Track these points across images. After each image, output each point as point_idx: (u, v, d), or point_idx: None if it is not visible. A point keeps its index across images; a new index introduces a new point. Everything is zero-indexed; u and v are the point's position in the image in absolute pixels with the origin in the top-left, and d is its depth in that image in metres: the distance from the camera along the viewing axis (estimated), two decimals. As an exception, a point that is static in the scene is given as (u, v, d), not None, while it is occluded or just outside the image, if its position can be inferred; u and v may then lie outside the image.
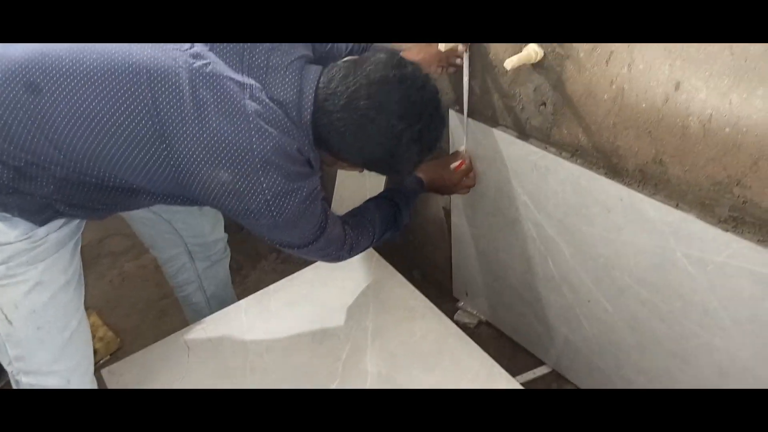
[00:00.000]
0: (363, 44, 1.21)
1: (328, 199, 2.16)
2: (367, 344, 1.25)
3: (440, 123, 1.04)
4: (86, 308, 1.16)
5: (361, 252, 1.24)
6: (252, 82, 0.92)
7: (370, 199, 1.33)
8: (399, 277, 1.43)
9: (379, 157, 0.99)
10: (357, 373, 1.18)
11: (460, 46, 1.25)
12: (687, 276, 1.11)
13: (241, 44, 0.94)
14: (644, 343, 1.29)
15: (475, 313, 1.89)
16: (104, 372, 1.26)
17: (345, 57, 1.04)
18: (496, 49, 1.27)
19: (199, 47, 0.91)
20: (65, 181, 0.93)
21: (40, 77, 0.85)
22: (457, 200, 1.66)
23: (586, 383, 1.57)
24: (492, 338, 1.84)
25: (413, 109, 0.96)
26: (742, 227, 1.00)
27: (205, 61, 0.90)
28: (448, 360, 1.20)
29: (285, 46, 0.97)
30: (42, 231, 0.99)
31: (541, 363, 1.70)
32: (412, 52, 1.26)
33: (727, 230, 1.01)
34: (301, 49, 1.01)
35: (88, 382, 1.13)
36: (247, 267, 2.31)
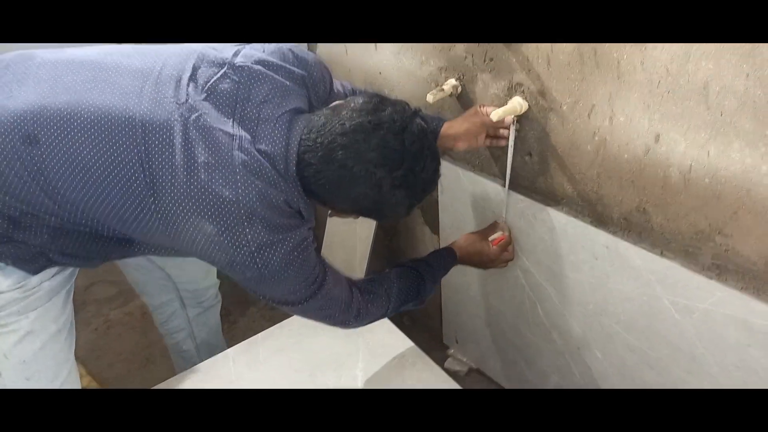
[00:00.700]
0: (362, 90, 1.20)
1: (318, 243, 2.17)
2: (357, 393, 1.24)
3: (430, 163, 0.97)
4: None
5: (372, 321, 1.15)
6: (242, 133, 0.92)
7: (395, 266, 1.22)
8: (389, 324, 1.42)
9: (366, 206, 0.97)
10: (347, 423, 1.17)
11: (508, 118, 1.20)
12: (674, 323, 1.12)
13: (236, 95, 0.94)
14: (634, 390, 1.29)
15: (465, 360, 1.87)
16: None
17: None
18: (482, 100, 1.31)
19: (194, 99, 0.93)
20: (59, 231, 0.93)
21: (39, 129, 0.87)
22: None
23: None
24: (482, 386, 1.82)
25: (392, 155, 0.91)
26: (725, 275, 1.02)
27: (198, 113, 0.91)
28: (439, 409, 1.19)
29: (278, 98, 0.97)
30: (35, 280, 0.98)
31: (532, 411, 1.68)
32: (456, 122, 1.25)
33: (711, 278, 1.03)
34: (295, 101, 0.99)
35: None
36: (236, 313, 2.29)
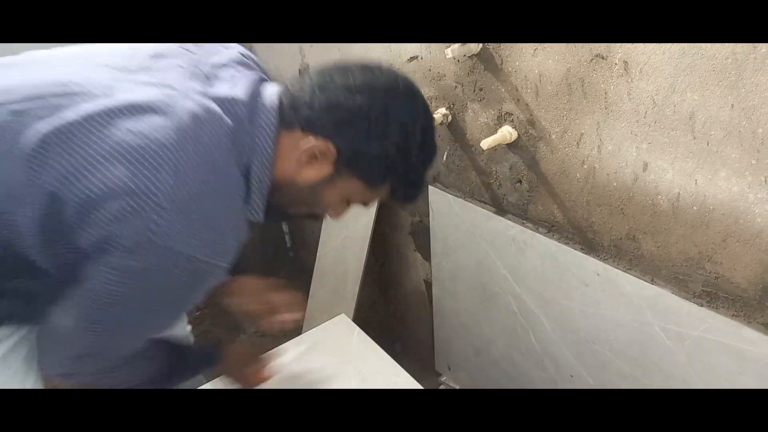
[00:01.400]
0: None
1: (309, 271, 2.16)
2: (348, 423, 1.22)
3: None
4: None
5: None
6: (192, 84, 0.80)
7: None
8: (381, 352, 1.41)
9: (391, 154, 0.81)
10: (337, 454, 1.14)
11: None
12: (666, 350, 1.12)
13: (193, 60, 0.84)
14: (628, 418, 1.28)
15: (457, 387, 1.86)
16: None
17: None
18: (472, 129, 1.33)
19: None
20: None
21: None
22: (438, 273, 1.67)
23: (572, 461, 1.54)
24: (475, 414, 1.80)
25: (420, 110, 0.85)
26: (716, 302, 1.02)
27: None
28: (431, 439, 1.17)
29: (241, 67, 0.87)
30: None
31: (525, 440, 1.67)
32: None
33: (701, 305, 1.03)
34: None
35: None
36: (225, 341, 2.26)
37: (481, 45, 1.18)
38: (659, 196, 1.02)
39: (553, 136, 1.15)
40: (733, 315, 1.00)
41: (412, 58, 1.40)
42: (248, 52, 0.93)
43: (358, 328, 1.47)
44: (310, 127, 0.79)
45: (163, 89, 0.74)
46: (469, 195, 1.44)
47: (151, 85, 0.74)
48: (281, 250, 2.64)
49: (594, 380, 1.31)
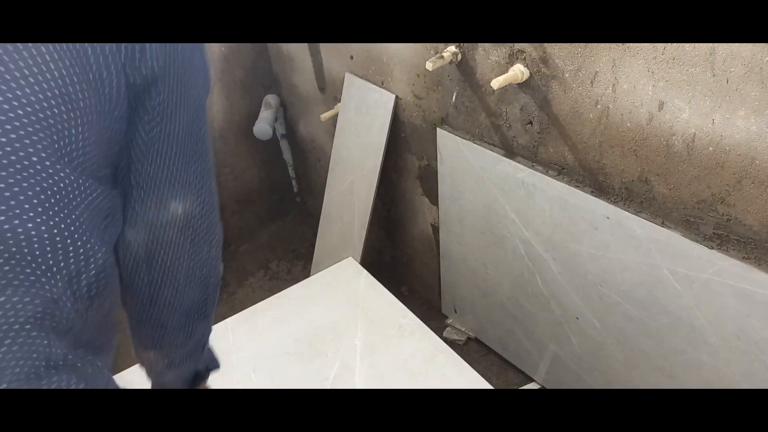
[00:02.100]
0: None
1: (316, 217, 2.16)
2: (356, 363, 1.24)
3: None
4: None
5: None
6: None
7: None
8: (388, 295, 1.42)
9: None
10: (346, 392, 1.17)
11: None
12: (674, 292, 1.12)
13: None
14: (633, 359, 1.30)
15: (463, 329, 1.89)
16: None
17: None
18: (482, 68, 1.29)
19: None
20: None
21: None
22: (445, 217, 1.66)
23: (575, 400, 1.58)
24: (481, 355, 1.83)
25: None
26: (726, 245, 1.01)
27: None
28: (438, 378, 1.20)
29: None
30: None
31: (530, 379, 1.70)
32: None
33: (712, 248, 1.02)
34: None
35: None
36: (234, 284, 2.29)
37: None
38: (674, 137, 0.99)
39: (567, 75, 1.11)
40: (743, 257, 0.99)
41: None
42: None
43: (365, 271, 1.48)
44: None
45: None
46: (479, 137, 1.41)
47: None
48: (288, 195, 2.63)
49: (600, 323, 1.32)
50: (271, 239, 2.56)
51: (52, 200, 0.45)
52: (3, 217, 0.41)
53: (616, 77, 1.03)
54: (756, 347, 1.03)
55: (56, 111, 0.44)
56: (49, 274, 0.45)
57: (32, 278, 0.44)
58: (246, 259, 2.44)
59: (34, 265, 0.44)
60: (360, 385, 1.20)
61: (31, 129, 0.43)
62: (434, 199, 1.71)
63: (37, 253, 0.44)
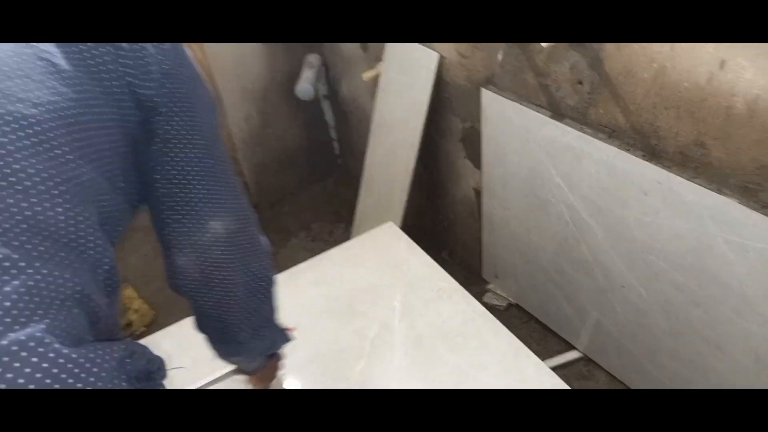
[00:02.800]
0: None
1: (357, 179, 2.16)
2: (395, 324, 1.25)
3: None
4: (123, 281, 1.19)
5: None
6: None
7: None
8: (427, 258, 1.42)
9: None
10: (384, 352, 1.18)
11: None
12: (725, 261, 1.07)
13: None
14: (678, 328, 1.26)
15: (504, 295, 1.87)
16: (142, 342, 1.29)
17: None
18: (531, 25, 1.24)
19: None
20: None
21: None
22: (488, 180, 1.64)
23: (616, 368, 1.55)
24: (521, 321, 1.82)
25: None
26: (787, 213, 0.96)
27: None
28: (476, 341, 1.20)
29: None
30: None
31: (571, 347, 1.69)
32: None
33: (770, 216, 0.97)
34: None
35: None
36: (277, 244, 2.33)
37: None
38: (735, 98, 0.94)
39: (621, 32, 1.06)
40: (805, 226, 0.94)
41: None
42: None
43: (405, 236, 1.48)
44: None
45: None
46: (525, 98, 1.37)
47: None
48: (329, 156, 2.64)
49: (645, 290, 1.29)
50: (313, 200, 2.58)
51: (76, 191, 0.47)
52: (36, 199, 0.44)
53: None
54: (813, 320, 0.98)
55: (75, 112, 0.48)
56: (80, 261, 0.48)
57: (66, 261, 0.46)
58: (288, 220, 2.47)
59: (67, 248, 0.47)
60: (398, 344, 1.21)
61: (53, 123, 0.46)
62: (477, 162, 1.68)
63: (72, 236, 0.47)
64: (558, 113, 1.30)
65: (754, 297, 1.06)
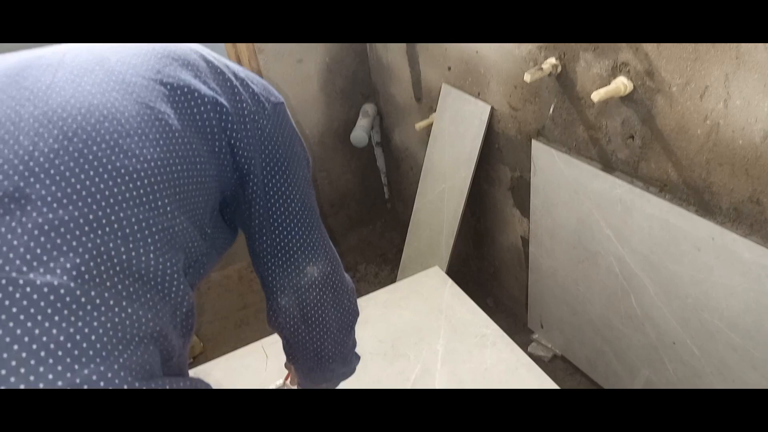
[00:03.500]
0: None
1: (405, 223, 2.19)
2: (437, 368, 1.25)
3: None
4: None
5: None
6: None
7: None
8: (472, 304, 1.42)
9: None
10: (426, 396, 1.19)
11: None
12: (784, 324, 1.04)
13: None
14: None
15: (549, 346, 1.84)
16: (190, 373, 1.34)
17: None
18: (583, 80, 1.27)
19: None
20: None
21: None
22: (536, 230, 1.64)
23: (667, 430, 1.49)
24: (567, 374, 1.78)
25: None
26: None
27: None
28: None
29: None
30: None
31: (618, 405, 1.63)
32: None
33: (832, 278, 0.94)
34: None
35: None
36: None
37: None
38: (792, 156, 0.93)
39: (674, 89, 1.07)
40: None
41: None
42: None
43: (450, 280, 1.49)
44: None
45: None
46: (575, 150, 1.39)
47: None
48: (379, 201, 2.69)
49: (699, 350, 1.25)
50: (361, 243, 2.63)
51: (170, 240, 0.53)
52: (132, 245, 0.49)
53: (728, 92, 0.98)
54: None
55: (179, 168, 0.53)
56: (163, 302, 0.52)
57: (151, 303, 0.50)
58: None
59: (153, 291, 0.51)
60: (440, 388, 1.21)
61: (159, 178, 0.51)
62: (525, 212, 1.69)
63: (159, 279, 0.52)
64: (609, 166, 1.31)
65: (816, 362, 1.01)
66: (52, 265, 0.43)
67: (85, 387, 0.42)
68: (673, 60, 1.05)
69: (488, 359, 1.26)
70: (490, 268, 2.07)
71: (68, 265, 0.44)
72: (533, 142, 1.48)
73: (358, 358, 0.95)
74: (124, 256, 0.48)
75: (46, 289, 0.42)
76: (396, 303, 1.46)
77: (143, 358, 0.48)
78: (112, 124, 0.50)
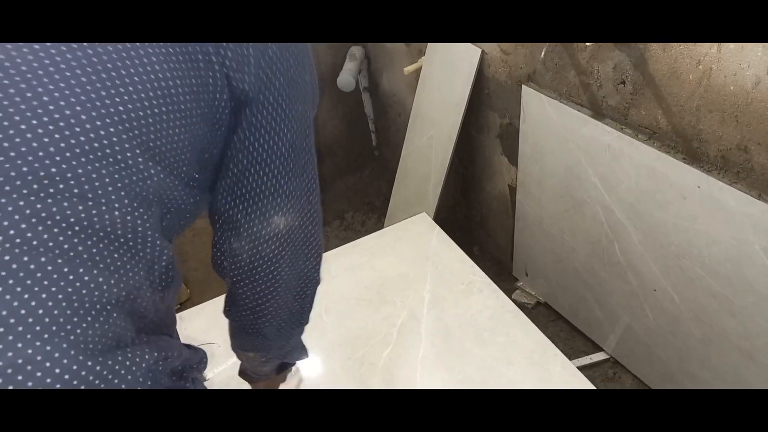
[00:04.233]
0: None
1: (392, 171, 2.17)
2: (423, 314, 1.26)
3: None
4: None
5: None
6: None
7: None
8: (459, 251, 1.42)
9: None
10: (411, 340, 1.20)
11: None
12: (764, 271, 1.05)
13: None
14: (711, 337, 1.24)
15: (533, 293, 1.87)
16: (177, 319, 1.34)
17: None
18: (576, 23, 1.23)
19: None
20: None
21: None
22: (524, 178, 1.63)
23: (644, 373, 1.54)
24: (549, 320, 1.82)
25: None
26: (831, 223, 0.94)
27: None
28: (503, 336, 1.20)
29: None
30: None
31: (598, 349, 1.67)
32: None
33: (814, 226, 0.95)
34: None
35: None
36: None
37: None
38: (784, 103, 0.92)
39: (668, 32, 1.04)
40: None
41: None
42: None
43: (438, 227, 1.49)
44: None
45: None
46: (566, 96, 1.36)
47: None
48: (366, 148, 2.66)
49: (678, 296, 1.27)
50: (348, 191, 2.61)
51: (140, 194, 0.47)
52: (92, 203, 0.44)
53: (723, 35, 0.96)
54: None
55: (156, 111, 0.46)
56: (134, 261, 0.48)
57: (118, 263, 0.46)
58: (323, 208, 2.51)
59: (122, 250, 0.47)
60: (425, 334, 1.22)
61: (128, 125, 0.45)
62: (514, 159, 1.68)
63: (129, 237, 0.47)
64: (599, 112, 1.29)
65: (792, 308, 1.03)
66: None
67: (29, 368, 0.39)
68: (669, 2, 1.01)
69: (474, 306, 1.27)
70: (477, 217, 2.07)
71: (11, 232, 0.40)
72: (523, 87, 1.45)
73: (302, 349, 0.86)
74: (82, 216, 0.43)
75: None
76: (382, 249, 1.46)
77: (104, 329, 0.44)
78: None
